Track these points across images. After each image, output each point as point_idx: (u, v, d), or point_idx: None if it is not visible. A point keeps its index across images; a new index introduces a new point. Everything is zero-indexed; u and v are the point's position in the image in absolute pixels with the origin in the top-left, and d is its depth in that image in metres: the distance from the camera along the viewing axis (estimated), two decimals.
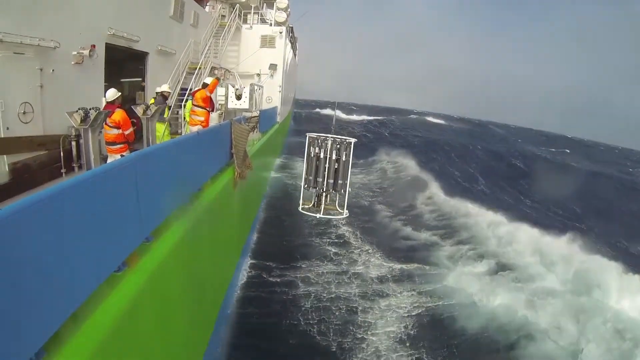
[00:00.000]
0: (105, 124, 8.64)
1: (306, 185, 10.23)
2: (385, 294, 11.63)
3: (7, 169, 7.39)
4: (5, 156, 7.54)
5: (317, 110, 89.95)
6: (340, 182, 9.95)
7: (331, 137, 10.06)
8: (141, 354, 4.53)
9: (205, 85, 11.87)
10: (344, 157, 9.94)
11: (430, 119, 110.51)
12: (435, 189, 24.56)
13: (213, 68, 19.40)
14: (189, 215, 6.62)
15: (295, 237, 15.04)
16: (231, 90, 14.88)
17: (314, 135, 10.20)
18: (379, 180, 27.37)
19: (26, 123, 8.40)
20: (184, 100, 14.36)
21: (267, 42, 24.92)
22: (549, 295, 11.60)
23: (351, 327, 9.96)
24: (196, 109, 11.49)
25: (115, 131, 8.46)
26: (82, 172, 7.89)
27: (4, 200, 6.58)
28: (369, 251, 14.55)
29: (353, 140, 10.07)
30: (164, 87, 12.21)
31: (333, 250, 14.49)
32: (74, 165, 7.98)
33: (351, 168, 10.07)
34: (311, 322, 9.96)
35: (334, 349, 9.21)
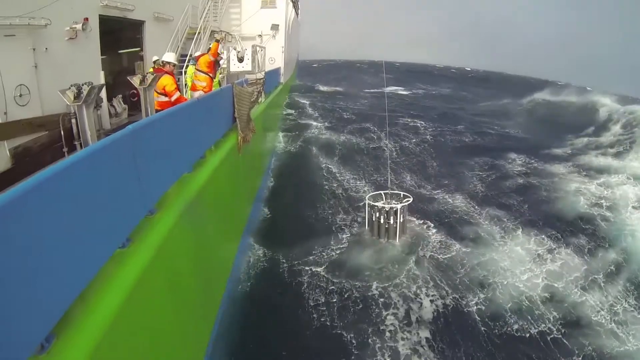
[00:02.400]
0: (154, 90, 8.53)
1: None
2: None
3: (9, 155, 7.34)
4: (5, 142, 7.48)
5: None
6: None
7: (388, 205, 11.44)
8: (151, 329, 4.53)
9: (209, 50, 11.69)
10: (400, 218, 11.25)
11: None
12: None
13: (213, 32, 19.03)
14: (193, 184, 6.55)
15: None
16: (233, 53, 14.59)
17: (372, 202, 11.62)
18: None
19: (23, 105, 8.31)
20: (185, 65, 14.16)
21: (268, 2, 24.32)
22: None
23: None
24: (199, 74, 11.34)
25: (163, 98, 8.31)
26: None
27: (8, 186, 6.55)
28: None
29: (407, 202, 11.59)
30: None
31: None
32: (76, 143, 7.87)
33: None
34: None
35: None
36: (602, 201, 15.70)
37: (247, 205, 11.37)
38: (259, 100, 13.77)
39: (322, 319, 8.90)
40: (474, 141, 24.58)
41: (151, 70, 12.04)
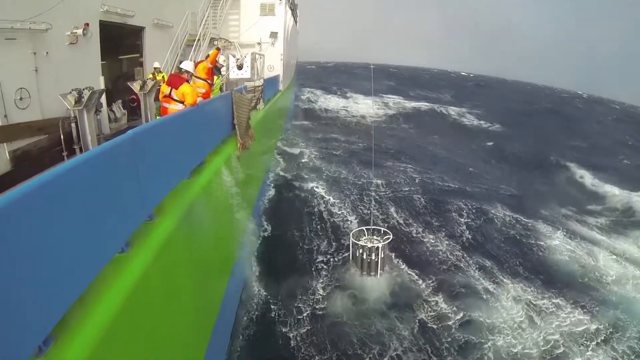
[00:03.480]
0: (170, 97, 8.49)
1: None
2: None
3: (8, 157, 7.34)
4: (5, 144, 7.49)
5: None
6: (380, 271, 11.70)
7: (370, 243, 11.77)
8: (149, 334, 4.54)
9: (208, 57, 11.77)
10: (381, 254, 11.57)
11: None
12: None
13: (212, 39, 19.12)
14: (192, 190, 6.57)
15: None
16: (232, 60, 14.65)
17: (355, 239, 11.93)
18: None
19: (23, 109, 8.32)
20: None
21: (267, 10, 24.32)
22: None
23: None
24: (197, 80, 11.35)
25: (181, 106, 8.30)
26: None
27: (7, 189, 6.55)
28: None
29: (387, 240, 11.88)
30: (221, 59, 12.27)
31: None
32: (75, 147, 7.90)
33: None
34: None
35: None
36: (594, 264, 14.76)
37: (246, 213, 11.37)
38: (258, 108, 13.85)
39: None
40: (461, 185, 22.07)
41: (150, 76, 12.08)
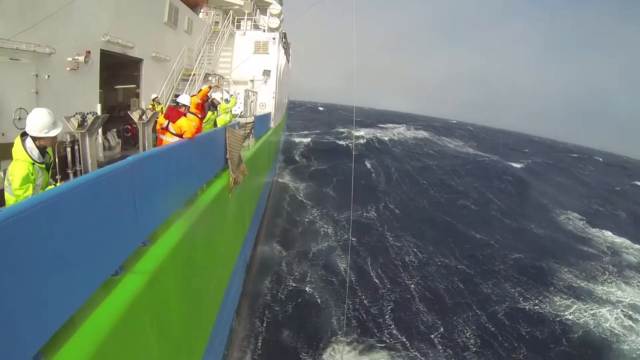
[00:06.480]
0: (167, 130, 8.59)
1: None
2: None
3: (3, 176, 7.36)
4: (0, 162, 7.54)
5: None
6: None
7: None
8: (138, 357, 4.54)
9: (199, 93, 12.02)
10: None
11: None
12: None
13: (207, 74, 19.45)
14: (185, 220, 6.61)
15: None
16: (226, 96, 14.91)
17: None
18: None
19: (21, 129, 8.39)
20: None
21: (261, 48, 24.91)
22: None
23: None
24: (189, 115, 11.55)
25: (176, 139, 8.31)
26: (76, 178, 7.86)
27: (1, 206, 6.55)
28: None
29: None
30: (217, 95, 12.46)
31: None
32: (69, 171, 7.97)
33: None
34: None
35: None
36: None
37: (236, 246, 11.41)
38: (248, 144, 14.05)
39: None
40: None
41: (150, 107, 12.27)
